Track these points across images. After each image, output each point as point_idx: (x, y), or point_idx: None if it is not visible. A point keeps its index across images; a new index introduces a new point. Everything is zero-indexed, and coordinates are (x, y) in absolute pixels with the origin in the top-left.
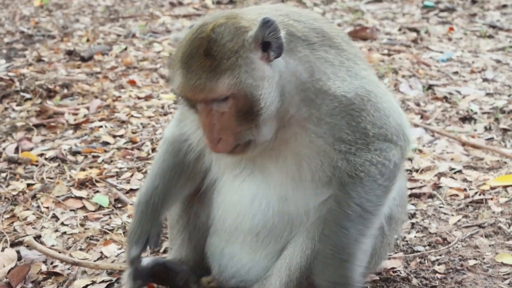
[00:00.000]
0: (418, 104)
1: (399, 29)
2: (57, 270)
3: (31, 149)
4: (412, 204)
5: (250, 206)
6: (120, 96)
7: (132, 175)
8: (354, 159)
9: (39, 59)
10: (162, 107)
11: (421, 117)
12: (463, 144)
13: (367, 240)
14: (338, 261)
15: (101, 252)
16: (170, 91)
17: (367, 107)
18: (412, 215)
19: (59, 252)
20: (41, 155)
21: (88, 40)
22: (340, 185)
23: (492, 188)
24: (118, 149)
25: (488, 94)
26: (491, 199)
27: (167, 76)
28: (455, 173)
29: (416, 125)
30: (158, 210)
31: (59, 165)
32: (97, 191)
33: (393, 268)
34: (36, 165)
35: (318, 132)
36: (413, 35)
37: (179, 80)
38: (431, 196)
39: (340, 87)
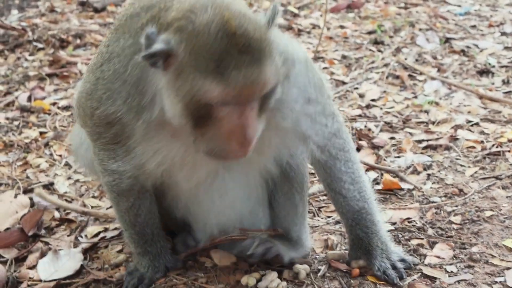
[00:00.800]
0: (435, 57)
1: None
2: (69, 216)
3: (44, 98)
4: (428, 156)
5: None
6: None
7: None
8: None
9: (52, 10)
10: None
11: (438, 70)
12: (481, 97)
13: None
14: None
15: None
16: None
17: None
18: (428, 167)
19: (71, 200)
20: (54, 104)
21: None
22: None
23: (510, 140)
24: None
25: (506, 48)
26: (509, 151)
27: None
28: (472, 125)
29: (432, 78)
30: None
31: (71, 114)
32: None
33: (408, 218)
34: (49, 114)
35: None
36: None
37: (232, 84)
38: (447, 148)
39: (297, 51)
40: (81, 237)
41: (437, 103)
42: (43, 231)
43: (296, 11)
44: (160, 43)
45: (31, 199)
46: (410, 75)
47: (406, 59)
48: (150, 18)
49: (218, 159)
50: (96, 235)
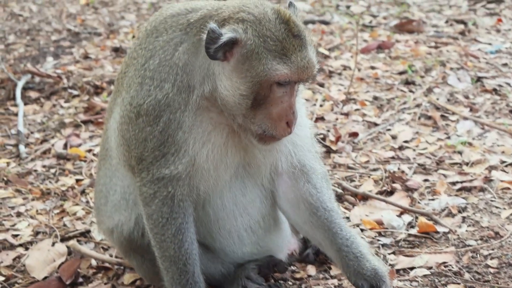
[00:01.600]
0: (467, 97)
1: (446, 21)
2: (106, 264)
3: (80, 145)
4: (463, 198)
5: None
6: None
7: None
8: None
9: (86, 56)
10: None
11: (470, 110)
12: None
13: None
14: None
15: None
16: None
17: None
18: (463, 209)
19: (108, 248)
20: (89, 150)
21: (133, 37)
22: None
23: None
24: None
25: None
26: None
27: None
28: (506, 166)
29: (465, 118)
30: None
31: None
32: None
33: (444, 262)
34: (85, 161)
35: None
36: (461, 27)
37: (294, 63)
38: (482, 189)
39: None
40: (118, 284)
41: (470, 144)
42: (80, 279)
43: (326, 52)
44: (229, 33)
45: (68, 247)
46: (442, 115)
47: (438, 99)
48: (200, 17)
49: (265, 140)
50: (133, 282)
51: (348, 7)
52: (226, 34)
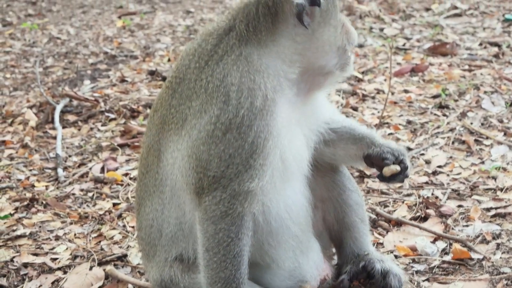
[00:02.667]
0: (501, 121)
1: (480, 44)
2: None
3: (116, 168)
4: (497, 225)
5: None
6: None
7: None
8: None
9: (123, 80)
10: None
11: (505, 134)
12: None
13: None
14: None
15: None
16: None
17: None
18: (497, 236)
19: (143, 273)
20: (126, 174)
21: (169, 60)
22: None
23: None
24: None
25: None
26: None
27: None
28: None
29: (499, 143)
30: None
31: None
32: None
33: None
34: (121, 185)
35: None
36: (495, 49)
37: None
38: None
39: None
40: None
41: (504, 169)
42: None
43: (360, 75)
44: None
45: (105, 271)
46: (476, 140)
47: (471, 123)
48: (245, 20)
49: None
50: None
51: (381, 29)
52: None
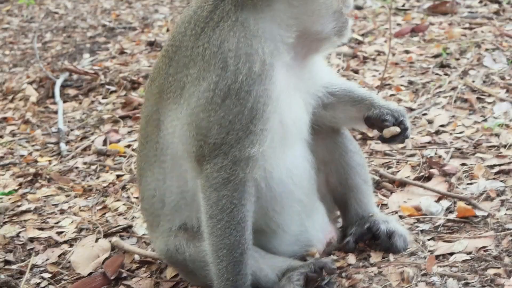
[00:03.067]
0: (503, 78)
1: (480, 1)
2: (148, 259)
3: (119, 140)
4: (501, 181)
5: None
6: None
7: None
8: None
9: (122, 52)
10: None
11: (507, 91)
12: None
13: None
14: None
15: None
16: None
17: None
18: (501, 192)
19: (149, 243)
20: (128, 146)
21: (168, 30)
22: None
23: None
24: None
25: None
26: None
27: None
28: None
29: (501, 100)
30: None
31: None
32: None
33: (484, 247)
34: (124, 156)
35: None
36: (495, 6)
37: None
38: None
39: None
40: (161, 279)
41: (507, 126)
42: (124, 274)
43: (360, 38)
44: None
45: (111, 243)
46: (478, 98)
47: (473, 81)
48: None
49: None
50: (176, 275)
51: None
52: None
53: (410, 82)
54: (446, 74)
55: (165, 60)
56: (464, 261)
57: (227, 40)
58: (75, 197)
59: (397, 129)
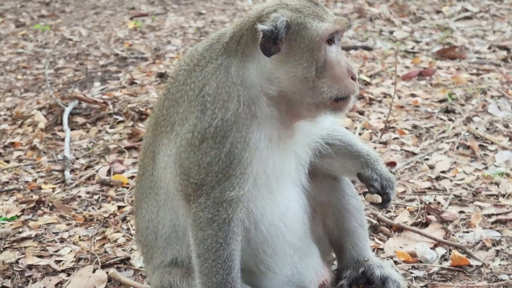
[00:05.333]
0: (506, 126)
1: (489, 48)
2: None
3: (123, 171)
4: (497, 231)
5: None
6: None
7: None
8: None
9: (132, 82)
10: None
11: (510, 139)
12: None
13: None
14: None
15: None
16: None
17: None
18: (497, 242)
19: (145, 276)
20: (132, 177)
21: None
22: None
23: None
24: None
25: None
26: None
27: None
28: None
29: (504, 148)
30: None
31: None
32: None
33: None
34: (127, 188)
35: None
36: (503, 53)
37: (331, 18)
38: None
39: None
40: None
41: (508, 175)
42: None
43: (368, 79)
44: (280, 18)
45: (108, 274)
46: (481, 145)
47: (477, 128)
48: (230, 37)
49: (340, 106)
50: None
51: (391, 32)
52: (279, 20)
53: (414, 126)
54: (450, 120)
55: (164, 91)
56: None
57: (209, 83)
58: (76, 226)
59: (378, 199)
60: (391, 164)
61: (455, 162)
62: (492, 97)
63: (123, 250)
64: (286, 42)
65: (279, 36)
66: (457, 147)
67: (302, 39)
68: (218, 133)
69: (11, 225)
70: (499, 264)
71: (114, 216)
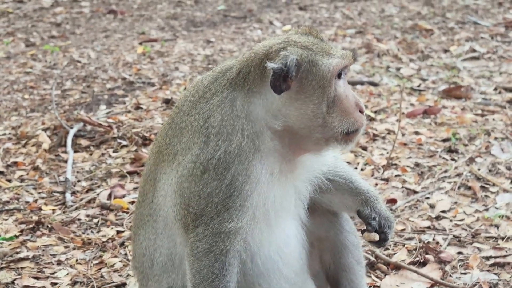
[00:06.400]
0: (509, 168)
1: (495, 89)
2: None
3: (124, 196)
4: (495, 274)
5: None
6: None
7: None
8: None
9: (138, 107)
10: None
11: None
12: None
13: None
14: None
15: None
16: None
17: None
18: (494, 285)
19: None
20: (132, 202)
21: (185, 89)
22: None
23: None
24: None
25: None
26: None
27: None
28: None
29: (505, 190)
30: None
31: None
32: None
33: None
34: (127, 213)
35: None
36: (509, 95)
37: (338, 53)
38: None
39: None
40: None
41: (508, 217)
42: None
43: (373, 115)
44: (290, 56)
45: None
46: (482, 186)
47: (479, 169)
48: (237, 72)
49: (349, 139)
50: None
51: (398, 69)
52: (289, 58)
53: (417, 164)
54: (453, 159)
55: (168, 120)
56: None
57: (214, 115)
58: (74, 249)
59: (376, 237)
60: (392, 201)
61: (455, 202)
62: (495, 138)
63: (120, 275)
64: (297, 80)
65: (289, 75)
66: (459, 187)
67: (313, 76)
68: (221, 164)
69: (9, 245)
70: None
71: (112, 241)
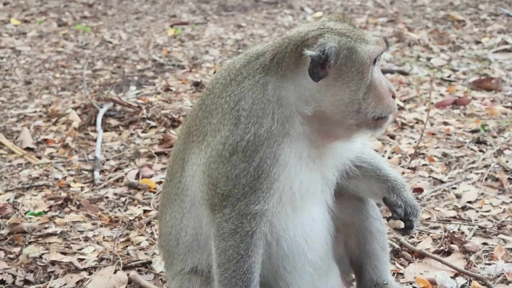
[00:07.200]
0: None
1: None
2: None
3: (151, 176)
4: None
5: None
6: None
7: None
8: None
9: (167, 89)
10: None
11: None
12: None
13: None
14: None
15: None
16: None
17: None
18: None
19: (165, 281)
20: (160, 182)
21: (215, 72)
22: None
23: None
24: None
25: None
26: None
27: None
28: None
29: None
30: None
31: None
32: None
33: None
34: (154, 192)
35: None
36: None
37: (373, 39)
38: None
39: None
40: None
41: None
42: None
43: (401, 104)
44: (328, 43)
45: (129, 276)
46: (509, 178)
47: (507, 161)
48: (271, 58)
49: (380, 124)
50: None
51: (429, 59)
52: (327, 45)
53: (444, 154)
54: (481, 151)
55: (199, 101)
56: None
57: (245, 98)
58: (101, 226)
59: (401, 225)
60: (418, 190)
61: (482, 194)
62: None
63: (146, 253)
64: (335, 66)
65: (328, 62)
66: (486, 179)
67: (353, 63)
68: (249, 147)
69: (38, 220)
70: None
71: (139, 220)
